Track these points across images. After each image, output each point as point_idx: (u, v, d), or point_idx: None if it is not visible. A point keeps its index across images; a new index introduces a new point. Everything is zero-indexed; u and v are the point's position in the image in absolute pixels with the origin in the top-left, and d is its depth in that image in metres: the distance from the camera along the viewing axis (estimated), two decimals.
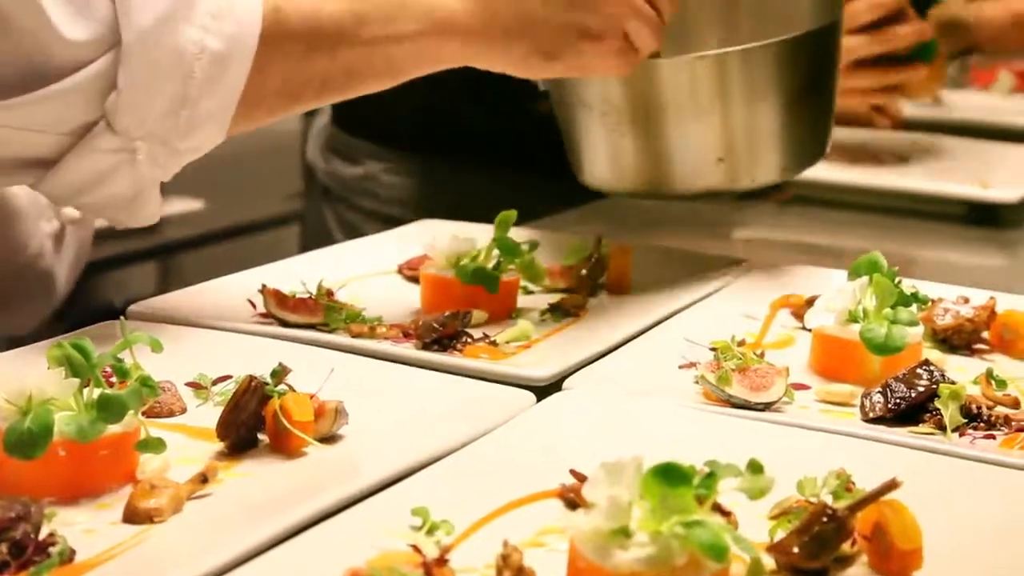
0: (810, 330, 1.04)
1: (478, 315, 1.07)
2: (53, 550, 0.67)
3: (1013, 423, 0.91)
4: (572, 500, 0.76)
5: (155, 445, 0.78)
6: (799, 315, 1.12)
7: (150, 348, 0.81)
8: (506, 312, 1.13)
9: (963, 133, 2.03)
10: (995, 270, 1.51)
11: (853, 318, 1.00)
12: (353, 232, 1.65)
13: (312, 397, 0.84)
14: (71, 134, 0.92)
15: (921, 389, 0.91)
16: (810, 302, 1.09)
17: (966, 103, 2.44)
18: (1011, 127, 2.15)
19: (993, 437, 0.89)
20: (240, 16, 0.95)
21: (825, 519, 0.69)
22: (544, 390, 0.92)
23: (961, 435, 0.89)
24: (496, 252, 1.12)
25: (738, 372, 0.93)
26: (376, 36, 1.02)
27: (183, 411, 0.89)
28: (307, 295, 1.09)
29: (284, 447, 0.82)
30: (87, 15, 0.90)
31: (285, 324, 1.05)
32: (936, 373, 0.93)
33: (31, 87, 0.89)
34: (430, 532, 0.71)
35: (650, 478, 0.62)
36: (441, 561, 0.68)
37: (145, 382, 0.78)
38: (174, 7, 0.92)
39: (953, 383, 0.92)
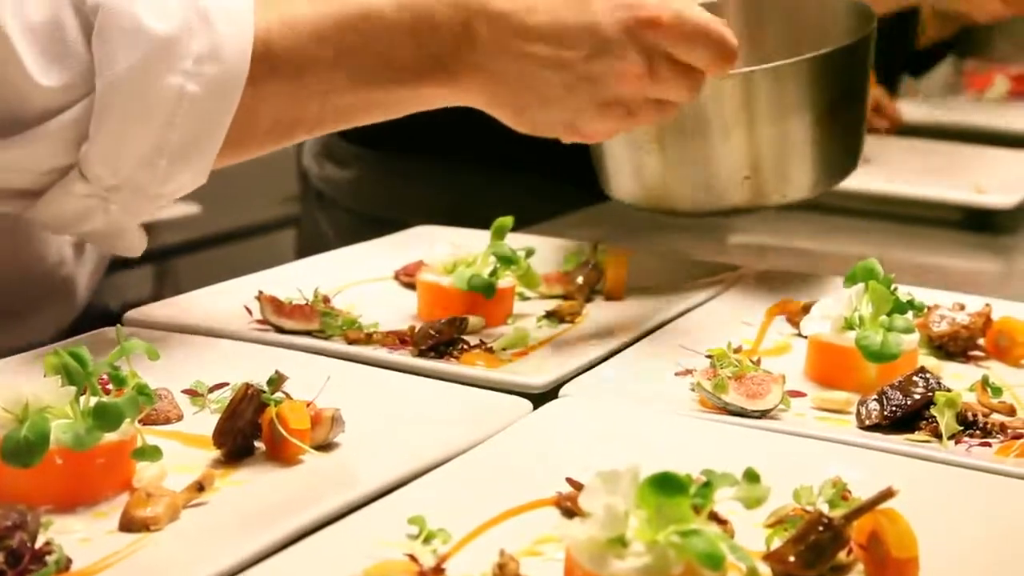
0: (806, 337, 1.04)
1: (474, 321, 1.07)
2: (49, 559, 0.67)
3: (1009, 430, 0.91)
4: (568, 509, 0.76)
5: (151, 453, 0.78)
6: (795, 322, 1.12)
7: (147, 356, 0.81)
8: (502, 318, 1.13)
9: (958, 138, 2.03)
10: (991, 276, 1.51)
11: (849, 325, 1.00)
12: (346, 236, 1.65)
13: (308, 405, 0.84)
14: (49, 173, 0.92)
15: (917, 397, 0.91)
16: (806, 309, 1.09)
17: (962, 108, 2.45)
18: (1007, 132, 2.15)
19: (989, 445, 0.89)
20: (227, 58, 0.91)
21: (821, 528, 0.69)
22: (540, 397, 0.92)
23: (957, 443, 0.89)
24: (492, 258, 1.12)
25: (734, 379, 0.93)
26: (369, 83, 0.98)
27: (179, 418, 0.89)
28: (303, 301, 1.09)
29: (280, 455, 0.82)
30: (63, 62, 0.88)
31: (281, 331, 1.05)
32: (932, 380, 0.93)
33: (8, 131, 0.88)
34: (426, 541, 0.71)
35: (646, 487, 0.62)
36: (437, 570, 0.68)
37: (141, 390, 0.78)
38: (153, 53, 0.89)
39: (949, 390, 0.92)
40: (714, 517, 0.71)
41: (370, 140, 1.72)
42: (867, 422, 0.91)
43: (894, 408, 0.91)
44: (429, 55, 0.98)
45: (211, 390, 0.92)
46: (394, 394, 0.92)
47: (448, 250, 1.14)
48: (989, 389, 0.97)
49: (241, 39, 0.92)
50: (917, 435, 0.90)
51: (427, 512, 0.73)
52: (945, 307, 1.11)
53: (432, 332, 1.02)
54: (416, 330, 1.03)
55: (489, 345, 1.04)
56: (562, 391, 0.93)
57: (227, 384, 0.92)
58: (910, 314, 1.01)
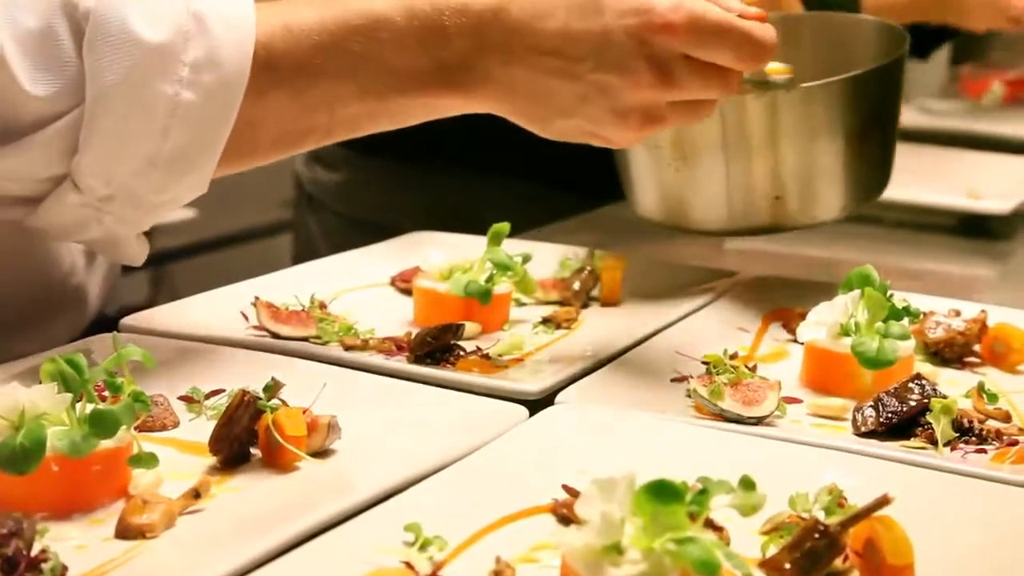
0: (802, 343, 1.04)
1: (471, 328, 1.07)
2: (45, 566, 0.67)
3: (1004, 437, 0.91)
4: (565, 516, 0.76)
5: (147, 460, 0.78)
6: (791, 328, 1.12)
7: (143, 362, 0.81)
8: (499, 324, 1.13)
9: (954, 144, 2.03)
10: (986, 282, 1.52)
11: (845, 331, 1.00)
12: (337, 239, 1.65)
13: (305, 411, 0.84)
14: (45, 181, 0.90)
15: (913, 403, 0.92)
16: (802, 315, 1.09)
17: (957, 114, 2.45)
18: (1002, 138, 2.15)
19: (984, 451, 0.89)
20: (226, 65, 0.89)
21: (817, 535, 0.69)
22: (537, 404, 0.92)
23: (953, 449, 0.89)
24: (489, 264, 1.12)
25: (730, 386, 0.93)
26: (378, 92, 0.96)
27: (176, 425, 0.89)
28: (300, 308, 1.09)
29: (277, 462, 0.82)
30: (54, 71, 0.86)
31: (278, 337, 1.05)
32: (928, 387, 0.93)
33: (2, 140, 0.87)
34: (423, 548, 0.71)
35: (642, 495, 0.62)
36: None
37: (138, 397, 0.78)
38: (144, 62, 0.86)
39: (945, 397, 0.92)
40: (710, 524, 0.71)
41: (360, 144, 1.72)
42: (863, 429, 0.91)
43: (890, 415, 0.91)
44: (439, 64, 0.96)
45: (207, 396, 0.92)
46: (390, 401, 0.92)
47: (445, 256, 1.14)
48: (985, 395, 0.97)
49: (241, 45, 0.90)
50: (913, 442, 0.90)
51: (423, 519, 0.73)
52: (941, 313, 1.11)
53: (428, 338, 1.02)
54: (412, 336, 1.03)
55: (485, 351, 1.04)
56: (558, 397, 0.93)
57: (223, 391, 0.92)
58: (906, 320, 1.01)
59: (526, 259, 1.16)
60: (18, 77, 0.85)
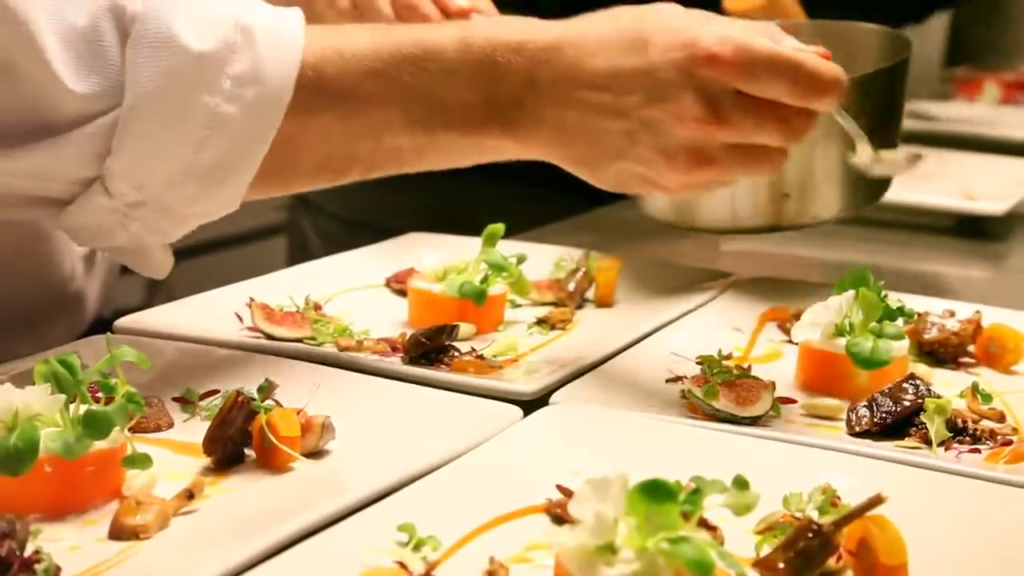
0: (797, 344, 1.04)
1: (465, 328, 1.07)
2: (39, 567, 0.67)
3: (998, 437, 0.91)
4: (558, 516, 0.76)
5: (141, 461, 0.78)
6: (786, 328, 1.12)
7: (137, 363, 0.81)
8: (493, 325, 1.13)
9: (949, 145, 2.04)
10: (981, 282, 1.52)
11: (839, 332, 1.00)
12: (332, 241, 1.64)
13: (299, 412, 0.84)
14: (76, 183, 0.88)
15: (907, 403, 0.92)
16: (797, 315, 1.09)
17: (952, 115, 2.45)
18: (997, 139, 2.15)
19: (979, 451, 0.89)
20: (269, 82, 0.87)
21: (811, 534, 0.69)
22: (531, 404, 0.92)
23: (947, 449, 0.89)
24: (484, 265, 1.12)
25: (725, 386, 0.93)
26: (425, 125, 0.94)
27: (170, 426, 0.89)
28: (294, 309, 1.09)
29: (271, 463, 0.82)
30: (97, 70, 0.84)
31: (272, 338, 1.05)
32: (922, 387, 0.93)
33: (37, 137, 0.85)
34: (416, 548, 0.71)
35: (636, 494, 0.62)
36: None
37: (131, 398, 0.78)
38: (186, 70, 0.85)
39: (939, 397, 0.92)
40: (704, 524, 0.72)
41: None
42: (857, 429, 0.92)
43: (884, 415, 0.91)
44: (489, 100, 0.93)
45: (202, 397, 0.92)
46: (385, 401, 0.92)
47: (439, 257, 1.14)
48: (979, 396, 0.98)
49: (286, 63, 0.88)
50: (907, 442, 0.90)
51: (417, 519, 0.73)
52: (935, 314, 1.11)
53: (423, 339, 1.02)
54: (407, 337, 1.03)
55: (480, 352, 1.04)
56: (552, 398, 0.93)
57: (218, 392, 0.92)
58: (900, 321, 1.01)
59: (521, 260, 1.16)
60: (59, 73, 0.83)
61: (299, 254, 1.76)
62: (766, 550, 0.72)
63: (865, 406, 0.92)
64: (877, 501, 0.69)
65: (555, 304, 1.19)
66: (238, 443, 0.83)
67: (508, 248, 1.16)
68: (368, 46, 0.92)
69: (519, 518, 0.77)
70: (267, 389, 0.84)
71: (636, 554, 0.62)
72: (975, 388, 0.99)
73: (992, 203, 1.63)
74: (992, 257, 1.60)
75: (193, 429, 0.88)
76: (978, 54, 2.98)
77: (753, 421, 0.92)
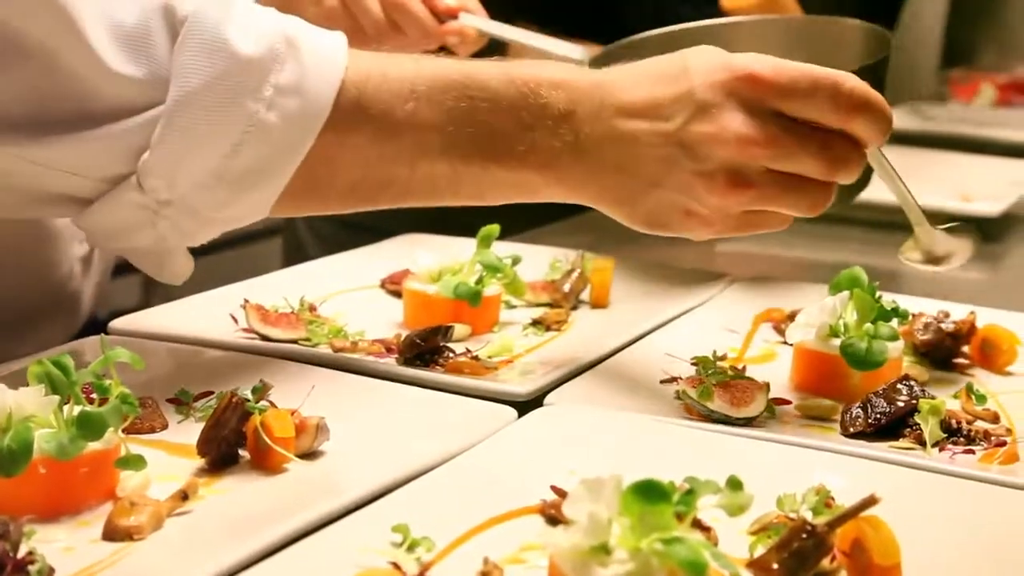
0: (791, 345, 1.04)
1: (460, 330, 1.07)
2: (32, 568, 0.67)
3: (992, 438, 0.91)
4: (552, 516, 0.76)
5: (135, 462, 0.78)
6: (780, 329, 1.12)
7: (132, 364, 0.81)
8: (488, 326, 1.13)
9: (945, 146, 2.04)
10: (976, 283, 1.52)
11: (834, 333, 1.00)
12: (327, 242, 1.64)
13: (293, 413, 0.84)
14: (105, 180, 0.88)
15: (901, 404, 0.92)
16: (792, 316, 1.10)
17: (948, 116, 2.45)
18: (993, 140, 2.16)
19: (972, 452, 0.89)
20: (310, 94, 0.87)
21: (805, 535, 0.69)
22: (525, 405, 0.92)
23: (941, 450, 0.90)
24: (479, 266, 1.12)
25: (719, 387, 0.93)
26: (463, 154, 0.92)
27: (164, 427, 0.89)
28: (289, 310, 1.09)
29: (265, 463, 0.82)
30: (142, 64, 0.84)
31: (267, 339, 1.05)
32: (916, 388, 0.93)
33: (76, 128, 0.85)
34: (410, 549, 0.71)
35: (630, 495, 0.62)
36: None
37: (125, 399, 0.78)
38: (232, 74, 0.85)
39: (933, 398, 0.92)
40: (697, 524, 0.72)
41: None
42: (851, 429, 0.92)
43: (878, 415, 0.91)
44: (529, 134, 0.92)
45: (196, 399, 0.92)
46: (379, 402, 0.92)
47: (434, 258, 1.14)
48: (973, 397, 0.98)
49: (329, 78, 0.89)
50: (901, 442, 0.90)
51: (411, 520, 0.73)
52: (930, 315, 1.11)
53: (418, 340, 1.02)
54: (402, 338, 1.03)
55: (475, 353, 1.04)
56: (547, 399, 0.93)
57: (212, 393, 0.92)
58: (895, 322, 1.01)
59: (516, 261, 1.16)
60: (103, 58, 0.83)
61: (294, 255, 1.76)
62: (760, 551, 0.72)
63: (859, 407, 0.92)
64: (871, 502, 0.69)
65: (550, 305, 1.19)
66: (232, 444, 0.83)
67: (503, 249, 1.16)
68: (412, 70, 0.92)
69: (513, 519, 0.77)
70: (261, 390, 0.84)
71: (630, 555, 0.62)
72: (969, 389, 0.99)
73: (987, 204, 1.63)
74: (987, 258, 1.60)
75: (187, 430, 0.88)
76: (974, 56, 2.99)
77: (747, 422, 0.92)
